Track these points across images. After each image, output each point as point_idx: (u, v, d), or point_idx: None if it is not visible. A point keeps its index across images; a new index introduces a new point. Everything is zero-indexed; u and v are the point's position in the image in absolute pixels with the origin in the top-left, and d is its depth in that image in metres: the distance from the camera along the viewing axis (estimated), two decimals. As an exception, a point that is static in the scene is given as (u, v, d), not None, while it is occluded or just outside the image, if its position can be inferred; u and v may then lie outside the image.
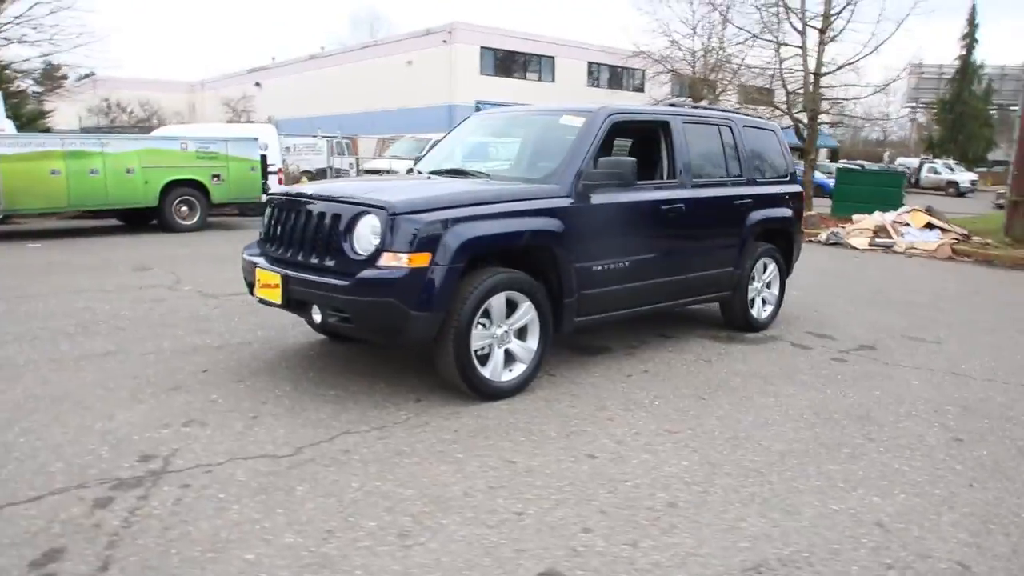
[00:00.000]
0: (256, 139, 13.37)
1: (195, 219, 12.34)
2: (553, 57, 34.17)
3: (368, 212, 3.81)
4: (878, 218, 13.64)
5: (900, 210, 14.07)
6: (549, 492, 3.01)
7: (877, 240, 12.79)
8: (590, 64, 35.55)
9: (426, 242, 3.70)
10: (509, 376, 4.14)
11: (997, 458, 3.52)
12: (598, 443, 3.53)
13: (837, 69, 18.33)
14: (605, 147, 4.90)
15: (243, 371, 4.50)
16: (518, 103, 30.94)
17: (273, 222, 4.32)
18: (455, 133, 5.74)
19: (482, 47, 31.96)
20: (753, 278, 5.80)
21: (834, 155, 41.75)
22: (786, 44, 18.30)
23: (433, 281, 3.70)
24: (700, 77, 24.15)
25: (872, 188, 16.60)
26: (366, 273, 3.70)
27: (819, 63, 17.82)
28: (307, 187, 4.38)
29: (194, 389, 4.15)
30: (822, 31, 17.60)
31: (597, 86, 35.65)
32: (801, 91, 18.53)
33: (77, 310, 6.09)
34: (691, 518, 2.83)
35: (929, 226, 13.16)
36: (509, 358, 4.15)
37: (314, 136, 21.83)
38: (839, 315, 6.66)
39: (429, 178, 4.82)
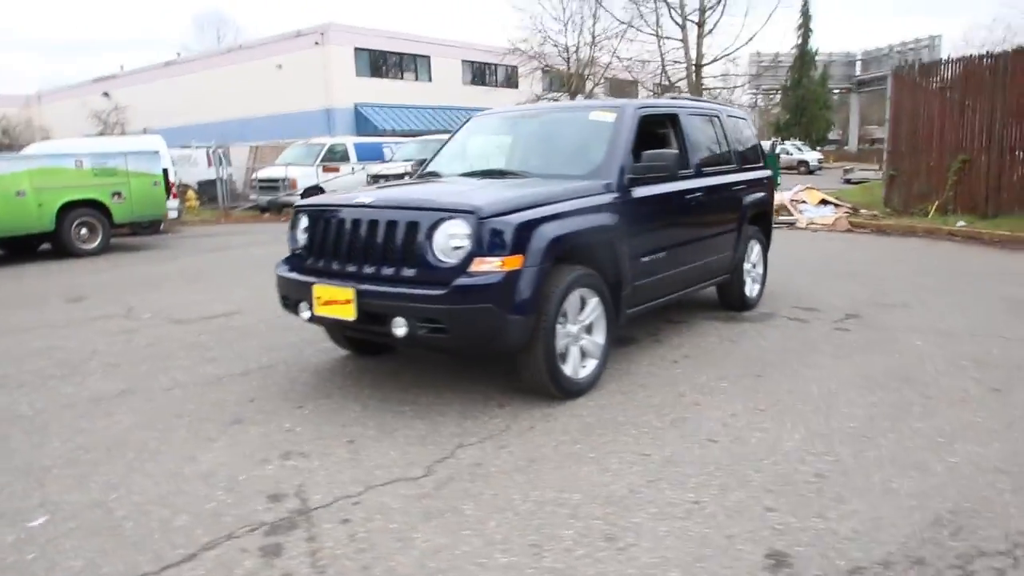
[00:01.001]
0: (157, 152, 12.39)
1: (97, 242, 11.30)
2: (428, 56, 33.91)
3: (453, 217, 3.68)
4: (777, 197, 14.69)
5: (795, 188, 15.21)
6: (705, 479, 3.06)
7: (780, 218, 13.75)
8: (464, 62, 35.57)
9: (518, 244, 3.64)
10: (584, 372, 4.14)
11: (1039, 400, 3.94)
12: (707, 427, 3.62)
13: (713, 61, 19.62)
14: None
15: (293, 395, 4.22)
16: (399, 105, 30.89)
17: (321, 235, 4.06)
18: (464, 135, 5.63)
19: (356, 48, 31.17)
20: (746, 259, 6.11)
21: None
22: (669, 38, 19.37)
23: (527, 283, 3.65)
24: (574, 72, 24.87)
25: None
26: (462, 280, 3.58)
27: (699, 55, 18.98)
28: (364, 195, 4.14)
29: (258, 420, 3.86)
30: (700, 24, 18.73)
31: (473, 84, 35.74)
32: (684, 81, 19.64)
33: (42, 349, 5.45)
34: (847, 486, 2.97)
35: (823, 202, 14.34)
36: (581, 355, 4.15)
37: (188, 147, 20.46)
38: (807, 289, 7.13)
39: (469, 180, 4.72)
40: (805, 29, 48.94)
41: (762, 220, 6.45)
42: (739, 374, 4.47)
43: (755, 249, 6.33)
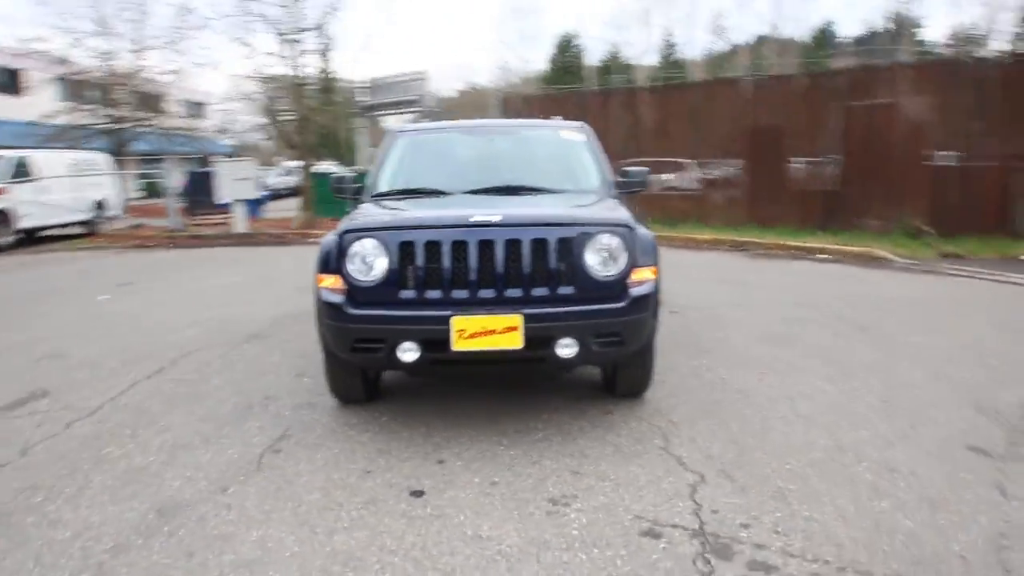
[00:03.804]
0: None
1: None
2: None
3: (606, 231, 3.65)
4: None
5: None
6: (874, 455, 3.39)
7: None
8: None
9: (655, 253, 3.84)
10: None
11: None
12: (799, 413, 3.98)
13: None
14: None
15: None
16: None
17: (424, 261, 3.59)
18: (403, 151, 5.20)
19: None
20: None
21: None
22: (270, 53, 17.88)
23: (658, 288, 3.77)
24: (104, 81, 22.55)
25: None
26: (636, 291, 3.64)
27: (301, 74, 17.84)
28: (478, 214, 3.73)
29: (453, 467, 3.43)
30: (297, 43, 17.53)
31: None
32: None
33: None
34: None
35: None
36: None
37: None
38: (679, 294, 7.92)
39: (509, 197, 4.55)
40: (321, 56, 50.91)
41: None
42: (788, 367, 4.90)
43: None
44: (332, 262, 3.75)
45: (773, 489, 3.13)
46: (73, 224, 16.10)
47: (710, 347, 5.44)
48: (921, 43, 51.06)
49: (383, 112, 51.34)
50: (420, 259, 3.62)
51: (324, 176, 20.73)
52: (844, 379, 4.66)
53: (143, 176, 31.35)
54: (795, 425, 3.88)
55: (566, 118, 6.06)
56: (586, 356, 3.64)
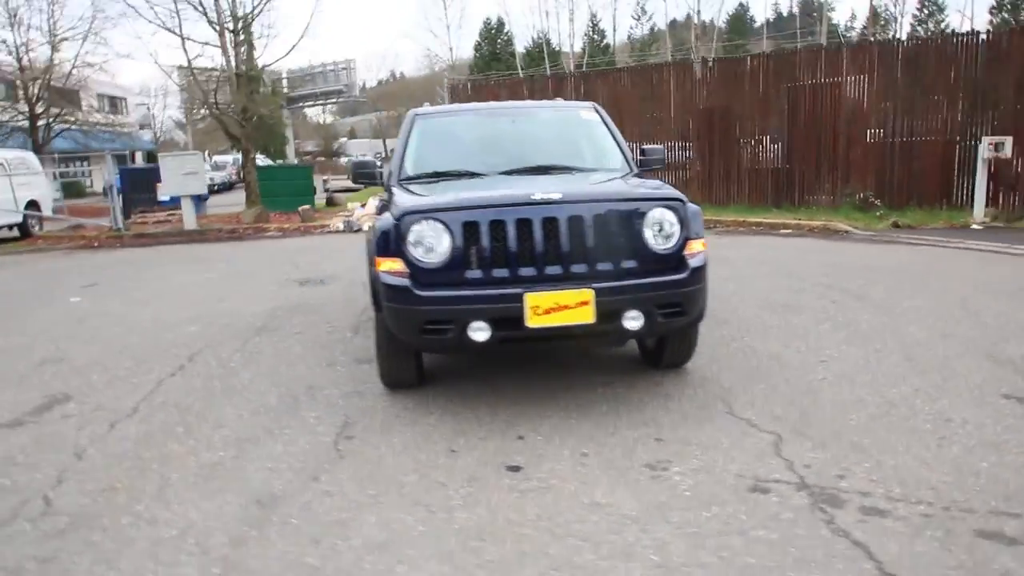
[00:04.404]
0: None
1: None
2: None
3: (662, 206, 3.77)
4: (362, 210, 14.93)
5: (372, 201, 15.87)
6: (924, 408, 3.64)
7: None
8: None
9: (702, 226, 3.99)
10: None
11: None
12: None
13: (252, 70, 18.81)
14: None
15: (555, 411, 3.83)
16: None
17: (489, 240, 3.63)
18: (424, 134, 5.12)
19: None
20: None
21: (151, 157, 37.45)
22: (205, 43, 17.47)
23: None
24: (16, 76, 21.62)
25: (287, 182, 17.92)
26: (694, 262, 3.78)
27: (240, 64, 17.55)
28: (536, 192, 3.76)
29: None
30: (235, 32, 17.25)
31: None
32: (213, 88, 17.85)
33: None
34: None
35: None
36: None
37: None
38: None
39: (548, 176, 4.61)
40: (248, 46, 50.36)
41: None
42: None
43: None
44: (392, 245, 3.72)
45: (849, 443, 3.31)
46: (3, 227, 15.16)
47: (725, 318, 5.63)
48: (836, 26, 53.51)
49: (308, 103, 50.44)
50: (485, 238, 3.63)
51: (270, 168, 20.39)
52: (862, 341, 4.92)
53: (61, 175, 29.79)
54: (839, 385, 4.09)
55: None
56: (650, 328, 3.75)
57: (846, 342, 4.93)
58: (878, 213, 11.42)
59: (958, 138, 11.46)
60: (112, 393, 4.53)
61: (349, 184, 28.03)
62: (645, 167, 5.01)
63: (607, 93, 14.22)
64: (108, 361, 5.27)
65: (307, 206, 16.00)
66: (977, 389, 3.94)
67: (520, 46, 54.67)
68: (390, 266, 3.72)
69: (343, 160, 50.80)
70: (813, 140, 12.66)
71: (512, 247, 3.63)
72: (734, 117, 13.42)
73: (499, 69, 46.61)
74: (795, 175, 12.97)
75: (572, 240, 3.66)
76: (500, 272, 3.64)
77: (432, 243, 3.65)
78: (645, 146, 5.14)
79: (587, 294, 3.55)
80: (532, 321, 3.55)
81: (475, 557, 2.52)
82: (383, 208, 4.32)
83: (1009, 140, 10.16)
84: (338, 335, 5.78)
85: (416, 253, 3.67)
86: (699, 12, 44.73)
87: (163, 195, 14.77)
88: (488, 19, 57.17)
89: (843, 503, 2.78)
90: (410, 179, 4.70)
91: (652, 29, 58.52)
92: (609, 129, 5.17)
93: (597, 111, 5.33)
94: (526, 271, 3.64)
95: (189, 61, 17.19)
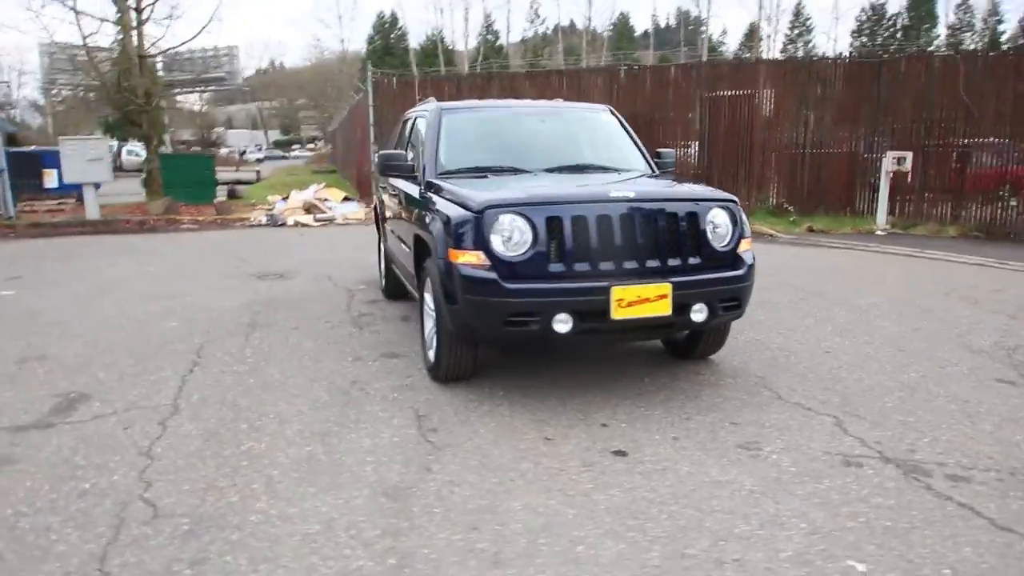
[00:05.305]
0: None
1: None
2: None
3: (719, 206, 4.06)
4: (302, 197, 15.12)
5: (313, 188, 15.93)
6: (939, 391, 4.14)
7: (319, 216, 13.98)
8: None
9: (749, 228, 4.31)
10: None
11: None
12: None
13: (159, 53, 18.35)
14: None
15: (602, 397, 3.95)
16: None
17: (572, 235, 3.77)
18: (465, 131, 5.19)
19: None
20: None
21: (11, 140, 38.07)
22: (105, 20, 16.58)
23: None
24: None
25: (188, 171, 17.41)
26: (748, 258, 4.11)
27: (141, 44, 16.81)
28: (614, 190, 3.96)
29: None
30: (138, 10, 16.48)
31: None
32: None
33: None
34: None
35: (347, 199, 15.44)
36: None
37: None
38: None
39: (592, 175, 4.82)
40: (139, 25, 48.55)
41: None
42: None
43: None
44: (471, 237, 3.77)
45: (898, 423, 3.71)
46: None
47: (717, 313, 6.00)
48: (713, 42, 56.81)
49: (185, 90, 47.26)
50: (568, 233, 3.76)
51: (170, 158, 19.13)
52: (849, 335, 5.43)
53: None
54: (856, 373, 4.52)
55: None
56: (711, 320, 4.00)
57: (837, 335, 5.42)
58: (792, 219, 12.39)
59: (862, 152, 12.63)
60: (136, 391, 4.25)
61: (240, 176, 27.20)
62: (662, 169, 5.27)
63: (536, 96, 14.49)
64: (103, 358, 4.91)
65: (223, 198, 15.26)
66: (972, 375, 4.48)
67: (414, 42, 54.24)
68: (471, 259, 3.76)
69: (224, 151, 48.47)
70: (732, 148, 13.52)
71: (593, 242, 3.78)
72: (658, 123, 14.08)
73: (393, 65, 46.02)
74: (714, 181, 13.74)
75: (646, 237, 3.86)
76: (582, 266, 3.77)
77: (516, 236, 3.73)
78: (660, 149, 5.36)
79: (666, 288, 3.76)
80: (617, 313, 3.72)
81: (642, 534, 2.66)
82: (421, 203, 4.42)
83: (910, 155, 11.33)
84: (342, 330, 5.66)
85: (499, 246, 3.73)
86: (590, 19, 46.21)
87: (67, 181, 13.60)
88: (382, 12, 56.28)
89: (929, 472, 3.14)
90: (449, 173, 4.71)
91: (545, 34, 59.72)
92: (627, 131, 5.41)
93: (614, 114, 5.55)
94: (606, 265, 3.79)
95: (84, 39, 15.86)
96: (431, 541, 2.62)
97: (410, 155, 5.42)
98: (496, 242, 3.74)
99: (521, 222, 3.75)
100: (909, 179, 11.88)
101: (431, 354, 4.39)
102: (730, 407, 3.94)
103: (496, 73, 15.37)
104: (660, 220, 3.89)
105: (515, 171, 4.70)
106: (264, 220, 13.83)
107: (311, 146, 60.06)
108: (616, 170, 4.92)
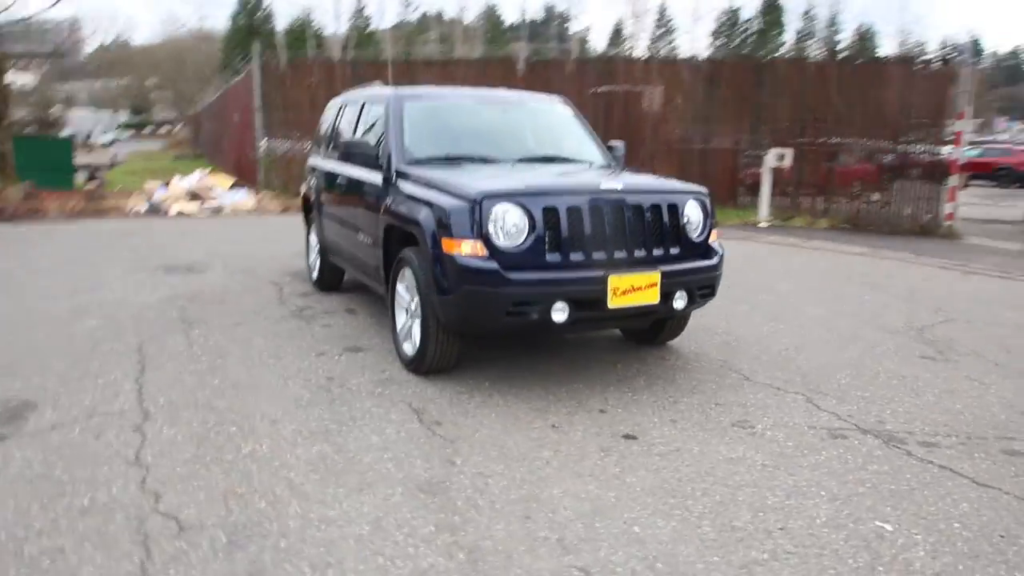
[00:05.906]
0: None
1: None
2: None
3: (694, 198, 4.31)
4: (185, 184, 14.03)
5: (199, 173, 15.01)
6: (878, 368, 4.62)
7: (205, 205, 13.11)
8: None
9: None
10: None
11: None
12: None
13: None
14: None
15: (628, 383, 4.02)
16: None
17: (568, 225, 3.85)
18: (428, 120, 5.09)
19: None
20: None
21: None
22: None
23: None
24: None
25: (44, 155, 16.28)
26: (717, 247, 4.38)
27: None
28: (604, 181, 4.07)
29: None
30: None
31: None
32: None
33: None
34: None
35: (235, 185, 14.66)
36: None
37: None
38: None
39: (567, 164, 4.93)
40: None
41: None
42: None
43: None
44: (469, 227, 3.76)
45: (858, 397, 4.09)
46: None
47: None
48: (583, 39, 58.46)
49: (13, 64, 42.90)
50: (564, 223, 3.83)
51: (23, 140, 17.28)
52: (782, 320, 5.86)
53: None
54: (803, 354, 4.90)
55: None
56: (689, 306, 4.23)
57: (771, 320, 5.83)
58: (684, 210, 13.07)
59: (744, 148, 13.55)
60: (88, 396, 3.87)
61: (91, 161, 24.87)
62: (615, 160, 5.41)
63: (437, 84, 14.38)
64: (31, 361, 4.43)
65: (94, 184, 14.01)
66: (898, 353, 4.99)
67: (281, 24, 51.78)
68: (470, 248, 3.74)
69: (66, 133, 44.46)
70: (625, 143, 14.02)
71: (588, 232, 3.87)
72: (555, 117, 14.36)
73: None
74: (609, 173, 14.29)
75: (635, 227, 4.01)
76: (577, 256, 3.86)
77: (514, 226, 3.76)
78: (611, 142, 5.53)
79: (655, 276, 3.92)
80: (613, 302, 3.84)
81: (687, 511, 2.79)
82: (389, 192, 4.38)
83: (790, 152, 12.28)
84: (288, 325, 5.42)
85: (498, 236, 3.74)
86: (463, 9, 46.06)
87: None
88: (246, -9, 53.30)
89: (904, 440, 3.50)
90: (419, 162, 4.63)
91: (419, 22, 58.90)
92: (582, 123, 5.53)
93: (568, 105, 5.65)
94: (599, 255, 3.90)
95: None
96: (490, 533, 2.62)
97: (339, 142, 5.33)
98: (495, 232, 3.75)
99: (519, 212, 3.78)
100: (785, 175, 12.89)
101: (407, 347, 4.32)
102: (708, 389, 4.17)
103: (400, 62, 15.03)
104: (646, 211, 4.04)
105: (486, 161, 4.70)
106: (143, 209, 12.83)
107: (165, 129, 55.96)
108: (579, 161, 5.04)
